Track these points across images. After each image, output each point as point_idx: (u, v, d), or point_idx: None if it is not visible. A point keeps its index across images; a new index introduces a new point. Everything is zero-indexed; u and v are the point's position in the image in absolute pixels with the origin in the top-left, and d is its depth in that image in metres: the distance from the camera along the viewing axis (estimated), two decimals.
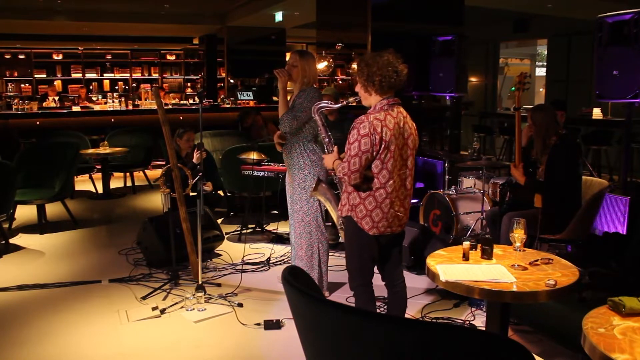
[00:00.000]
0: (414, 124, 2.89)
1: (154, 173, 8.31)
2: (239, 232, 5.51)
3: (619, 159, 7.24)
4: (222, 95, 11.89)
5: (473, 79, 12.04)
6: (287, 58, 3.88)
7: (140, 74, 14.28)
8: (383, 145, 2.70)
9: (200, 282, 3.85)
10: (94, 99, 11.23)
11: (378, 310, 3.39)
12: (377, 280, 3.01)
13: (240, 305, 3.79)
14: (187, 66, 14.74)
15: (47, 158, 5.95)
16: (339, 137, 3.98)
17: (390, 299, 3.06)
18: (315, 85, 3.83)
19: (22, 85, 13.23)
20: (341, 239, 3.10)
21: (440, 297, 3.90)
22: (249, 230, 5.56)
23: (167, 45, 14.51)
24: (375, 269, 3.00)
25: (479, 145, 6.07)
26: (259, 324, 3.50)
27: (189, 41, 14.61)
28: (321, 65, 7.64)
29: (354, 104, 3.06)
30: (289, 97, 3.82)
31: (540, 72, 13.56)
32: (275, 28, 11.93)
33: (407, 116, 2.86)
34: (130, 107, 9.94)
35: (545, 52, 11.99)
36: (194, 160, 4.98)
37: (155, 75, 14.42)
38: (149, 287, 4.10)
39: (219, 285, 4.16)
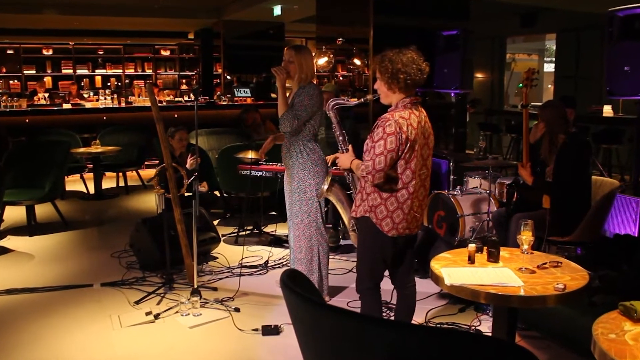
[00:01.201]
0: (430, 124, 2.87)
1: (148, 173, 8.20)
2: (236, 234, 5.45)
3: (630, 158, 7.13)
4: (219, 92, 11.76)
5: (479, 75, 11.95)
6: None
7: (133, 70, 14.15)
8: (409, 145, 2.67)
9: (195, 286, 3.80)
10: (86, 95, 11.09)
11: (383, 315, 3.34)
12: (384, 285, 2.97)
13: (237, 310, 3.74)
14: (182, 62, 14.63)
15: (36, 157, 5.89)
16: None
17: (399, 302, 3.04)
18: (314, 81, 3.77)
19: (11, 81, 13.08)
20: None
21: (445, 302, 3.86)
22: (246, 232, 5.49)
23: (161, 40, 14.41)
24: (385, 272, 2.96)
25: (485, 144, 6.00)
26: (256, 330, 3.46)
27: (183, 36, 14.51)
28: (321, 61, 7.51)
29: (371, 101, 3.01)
30: (288, 94, 3.72)
31: (549, 68, 13.47)
32: (274, 22, 11.82)
33: (426, 115, 2.85)
34: (123, 105, 9.85)
35: (554, 47, 11.88)
36: (188, 166, 4.88)
37: (148, 71, 14.29)
38: (143, 291, 4.05)
39: (215, 289, 4.12)
